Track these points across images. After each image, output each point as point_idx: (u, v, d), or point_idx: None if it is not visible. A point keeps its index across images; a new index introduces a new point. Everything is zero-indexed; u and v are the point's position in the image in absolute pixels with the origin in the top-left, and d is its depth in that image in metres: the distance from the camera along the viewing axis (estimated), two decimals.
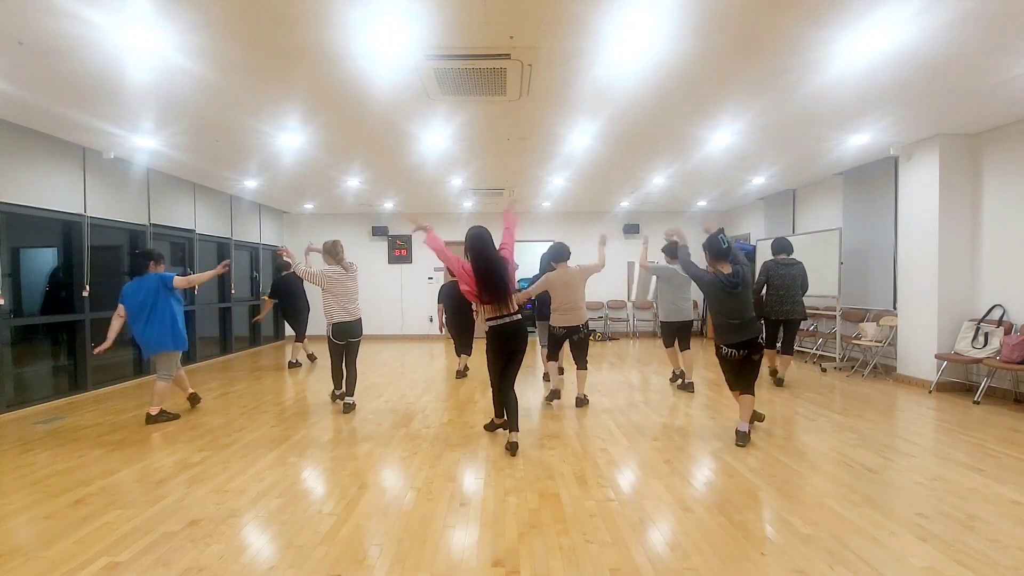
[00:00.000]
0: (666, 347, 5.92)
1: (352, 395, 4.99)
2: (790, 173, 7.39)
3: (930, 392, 5.49)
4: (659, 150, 6.06)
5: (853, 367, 6.81)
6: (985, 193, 5.42)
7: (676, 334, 5.75)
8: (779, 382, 5.88)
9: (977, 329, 5.28)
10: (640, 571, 2.22)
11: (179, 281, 4.68)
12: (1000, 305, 5.22)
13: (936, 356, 5.49)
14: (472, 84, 4.01)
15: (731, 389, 4.00)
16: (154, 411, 4.62)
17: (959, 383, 5.56)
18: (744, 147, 5.91)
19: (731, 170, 7.12)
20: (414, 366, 7.54)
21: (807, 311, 6.11)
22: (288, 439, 4.10)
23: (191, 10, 2.95)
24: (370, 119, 4.87)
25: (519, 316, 3.84)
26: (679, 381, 5.85)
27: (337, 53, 3.50)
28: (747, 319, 3.79)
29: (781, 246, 5.95)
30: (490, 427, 4.24)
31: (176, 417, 4.75)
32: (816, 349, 7.76)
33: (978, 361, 5.10)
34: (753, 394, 3.90)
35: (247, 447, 3.91)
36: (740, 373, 3.90)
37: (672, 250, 5.59)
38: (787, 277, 5.73)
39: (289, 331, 7.41)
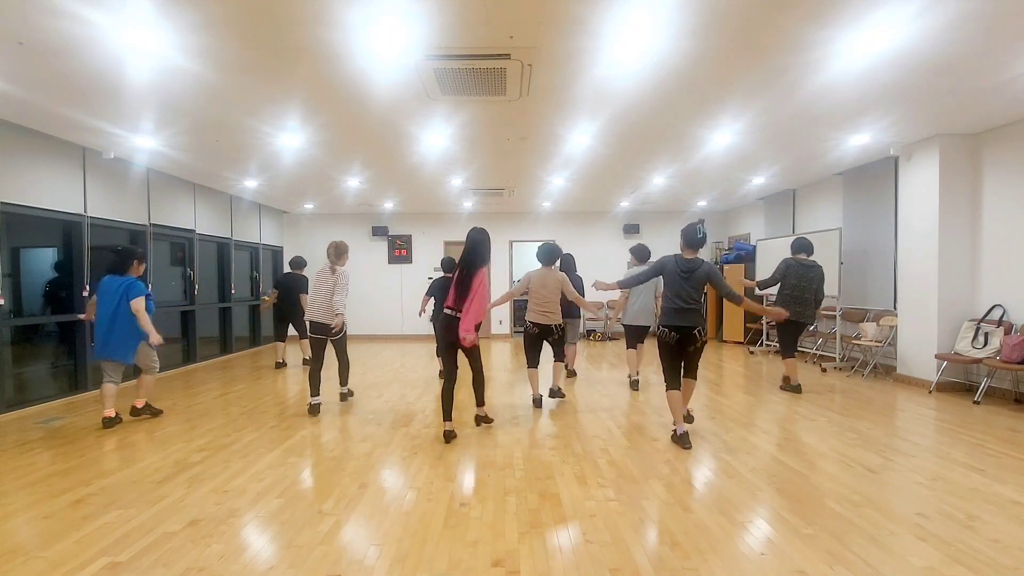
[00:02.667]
0: (628, 348, 5.88)
1: (346, 384, 5.21)
2: (790, 173, 7.39)
3: (930, 392, 5.49)
4: (659, 150, 6.06)
5: (853, 367, 6.80)
6: (985, 193, 5.42)
7: (639, 336, 5.81)
8: (796, 388, 5.58)
9: (977, 329, 5.27)
10: (640, 571, 2.22)
11: (136, 304, 4.40)
12: (1000, 305, 5.22)
13: (936, 356, 5.49)
14: (472, 84, 4.01)
15: (666, 379, 4.00)
16: (140, 403, 4.70)
17: (959, 383, 5.56)
18: (744, 147, 5.91)
19: (731, 170, 7.12)
20: (414, 366, 7.54)
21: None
22: (288, 439, 4.10)
23: (191, 10, 2.95)
24: (370, 119, 4.87)
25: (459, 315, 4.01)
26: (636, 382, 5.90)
27: (337, 53, 3.50)
28: (691, 308, 3.84)
29: (802, 245, 5.79)
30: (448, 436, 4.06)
31: (160, 412, 4.86)
32: (816, 349, 7.76)
33: (978, 361, 5.10)
34: (678, 389, 3.92)
35: (247, 447, 3.91)
36: (673, 361, 3.93)
37: (639, 252, 5.79)
38: (804, 278, 5.62)
39: (291, 331, 7.32)
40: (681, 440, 3.83)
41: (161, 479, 3.29)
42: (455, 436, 4.05)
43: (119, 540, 2.52)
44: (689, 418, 4.29)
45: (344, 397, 5.08)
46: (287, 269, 8.00)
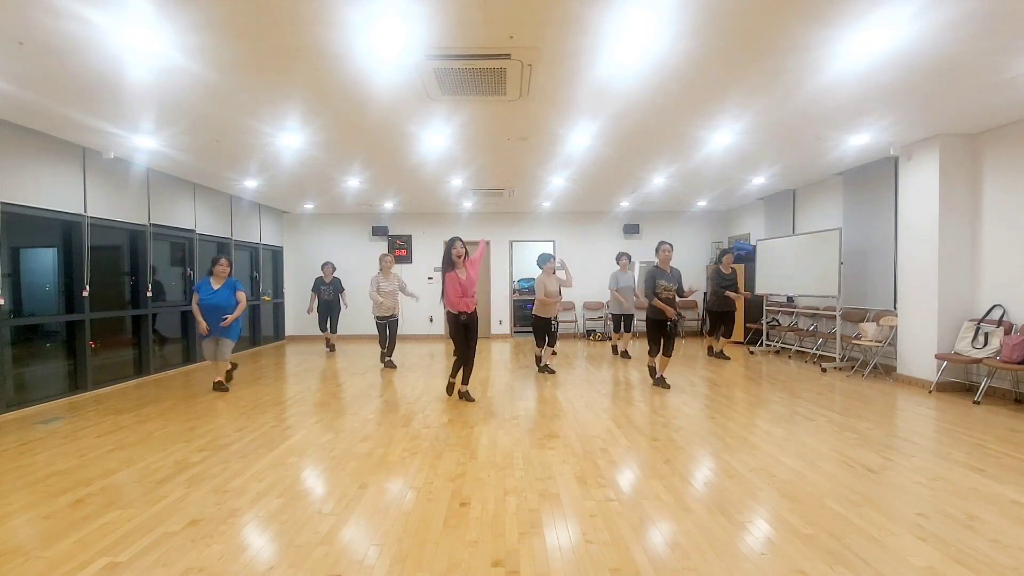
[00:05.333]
0: (615, 331, 8.24)
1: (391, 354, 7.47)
2: (790, 173, 7.39)
3: (930, 392, 5.50)
4: (659, 150, 6.07)
5: (853, 367, 6.81)
6: (985, 193, 5.42)
7: (623, 321, 8.04)
8: (726, 357, 7.76)
9: (977, 329, 5.28)
10: (640, 571, 2.22)
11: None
12: (1000, 305, 5.22)
13: (936, 356, 5.49)
14: (472, 84, 4.01)
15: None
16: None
17: (959, 383, 5.56)
18: (744, 147, 5.91)
19: (731, 170, 7.12)
20: (413, 366, 7.54)
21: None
22: (288, 439, 4.11)
23: (191, 10, 2.95)
24: (370, 119, 4.87)
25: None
26: (620, 354, 8.13)
27: (337, 53, 3.50)
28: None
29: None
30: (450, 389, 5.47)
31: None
32: (816, 349, 7.76)
33: (978, 361, 5.10)
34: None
35: (247, 447, 3.91)
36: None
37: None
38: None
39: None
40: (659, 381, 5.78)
41: (161, 479, 3.29)
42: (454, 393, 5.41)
43: (119, 540, 2.52)
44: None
45: (391, 365, 7.39)
46: (319, 273, 9.24)
